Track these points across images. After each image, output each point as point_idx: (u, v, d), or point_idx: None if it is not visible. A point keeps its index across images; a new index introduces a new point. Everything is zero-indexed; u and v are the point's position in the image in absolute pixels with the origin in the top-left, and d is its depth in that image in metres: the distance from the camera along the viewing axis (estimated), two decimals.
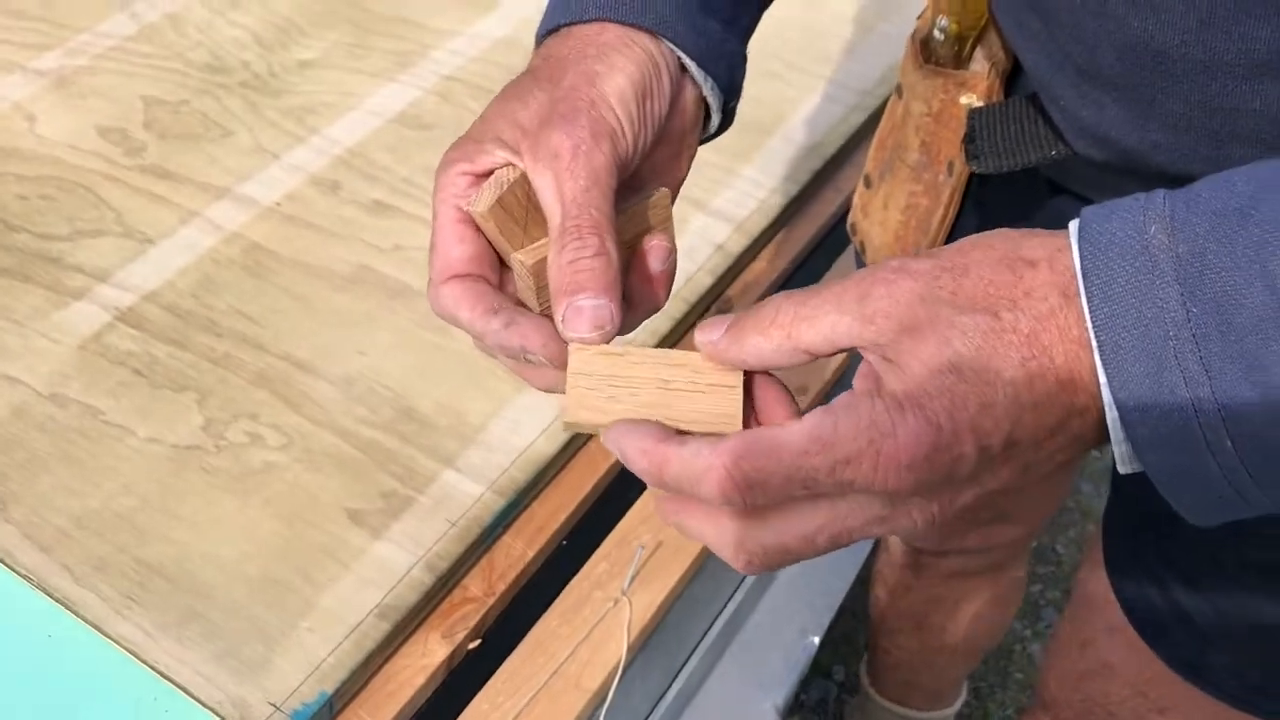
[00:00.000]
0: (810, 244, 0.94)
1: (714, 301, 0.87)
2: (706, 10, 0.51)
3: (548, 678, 0.67)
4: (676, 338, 0.84)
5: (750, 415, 0.43)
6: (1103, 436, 0.37)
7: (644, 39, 0.48)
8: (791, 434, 0.37)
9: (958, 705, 1.43)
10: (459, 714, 0.65)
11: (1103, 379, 0.35)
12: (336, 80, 1.03)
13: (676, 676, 0.93)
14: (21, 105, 0.98)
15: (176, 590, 0.66)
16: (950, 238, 0.68)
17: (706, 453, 0.38)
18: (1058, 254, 0.37)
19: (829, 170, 0.98)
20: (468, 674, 0.68)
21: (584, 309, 0.43)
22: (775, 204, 0.93)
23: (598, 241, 0.44)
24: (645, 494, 0.76)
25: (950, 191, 0.66)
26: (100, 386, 0.77)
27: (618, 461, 0.76)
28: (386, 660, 0.66)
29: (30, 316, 0.81)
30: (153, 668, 0.62)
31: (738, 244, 0.89)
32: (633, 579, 0.71)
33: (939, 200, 0.66)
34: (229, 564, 0.67)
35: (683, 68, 0.50)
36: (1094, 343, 0.35)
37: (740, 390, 0.42)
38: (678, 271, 0.87)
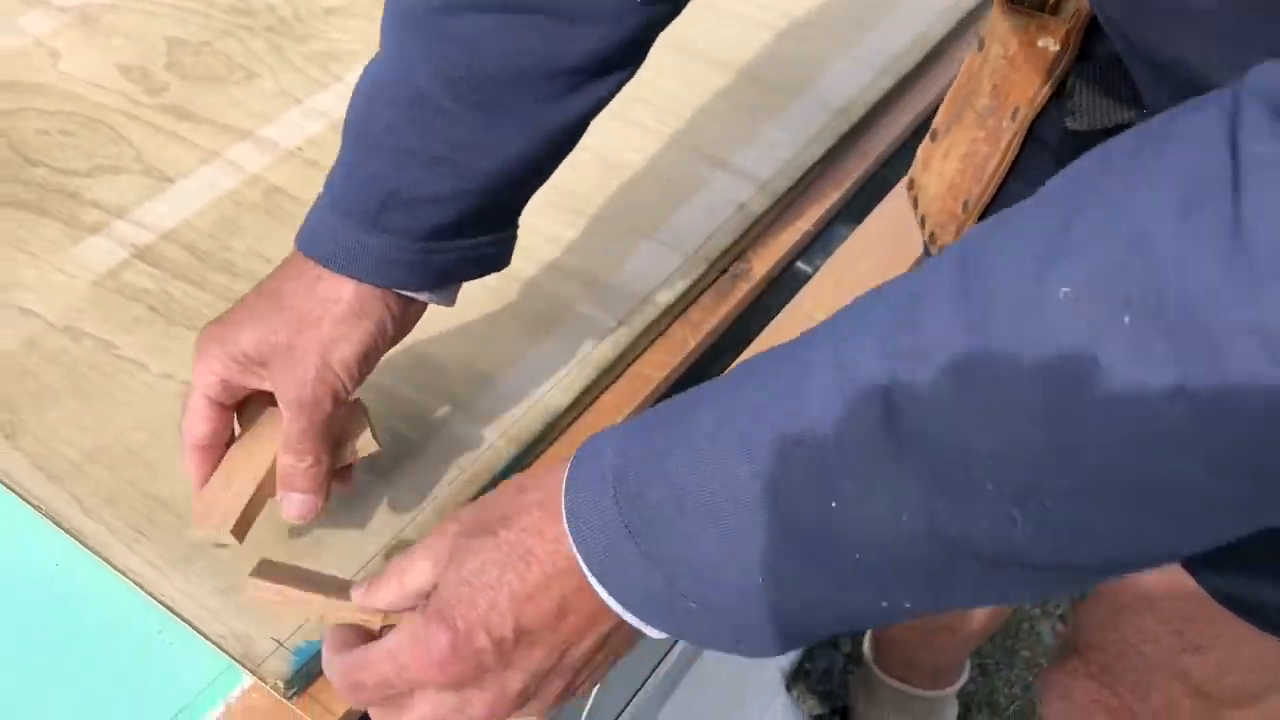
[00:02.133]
0: (834, 208, 0.92)
1: (734, 261, 0.86)
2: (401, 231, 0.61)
3: None
4: (693, 298, 0.83)
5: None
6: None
7: (382, 295, 0.62)
8: (375, 650, 0.49)
9: (959, 684, 1.42)
10: None
11: (583, 565, 0.45)
12: (361, 29, 1.02)
13: None
14: (44, 41, 0.98)
15: (185, 525, 0.66)
16: (1001, 188, 0.69)
17: (334, 661, 0.51)
18: (550, 478, 0.48)
19: (855, 134, 0.96)
20: None
21: (294, 500, 0.61)
22: (800, 165, 0.91)
23: (311, 458, 0.60)
24: None
25: (1011, 137, 0.66)
26: (115, 321, 0.76)
27: (631, 416, 0.76)
28: None
29: (46, 249, 0.81)
30: (159, 600, 0.62)
31: (760, 204, 0.88)
32: None
33: (998, 146, 0.66)
34: None
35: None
36: (572, 542, 0.45)
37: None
38: (696, 229, 0.86)
